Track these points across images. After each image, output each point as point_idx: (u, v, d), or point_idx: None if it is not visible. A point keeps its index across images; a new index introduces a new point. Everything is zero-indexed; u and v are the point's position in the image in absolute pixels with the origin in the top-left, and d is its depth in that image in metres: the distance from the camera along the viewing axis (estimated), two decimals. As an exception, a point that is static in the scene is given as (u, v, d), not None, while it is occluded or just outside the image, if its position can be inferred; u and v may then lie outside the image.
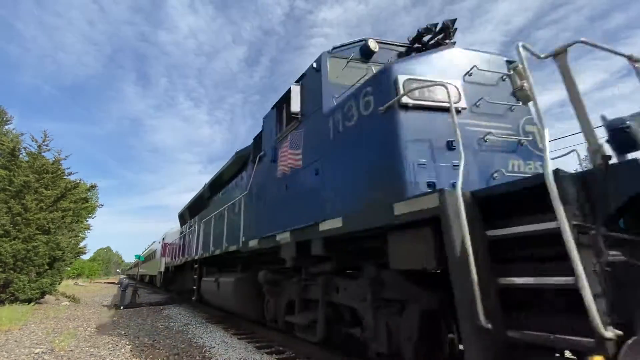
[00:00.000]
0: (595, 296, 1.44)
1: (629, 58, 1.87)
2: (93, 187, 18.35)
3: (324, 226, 3.37)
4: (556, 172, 1.71)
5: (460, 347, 2.84)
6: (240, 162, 7.49)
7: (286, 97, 4.77)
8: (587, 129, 1.81)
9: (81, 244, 17.17)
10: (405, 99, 2.78)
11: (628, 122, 1.72)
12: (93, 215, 18.41)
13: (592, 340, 1.49)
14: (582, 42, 1.89)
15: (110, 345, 5.93)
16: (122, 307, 11.83)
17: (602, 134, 1.86)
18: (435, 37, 4.28)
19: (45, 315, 9.80)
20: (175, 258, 14.21)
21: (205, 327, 7.65)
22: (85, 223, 17.06)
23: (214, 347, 5.64)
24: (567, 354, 2.30)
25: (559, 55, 1.95)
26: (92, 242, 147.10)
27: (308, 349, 4.90)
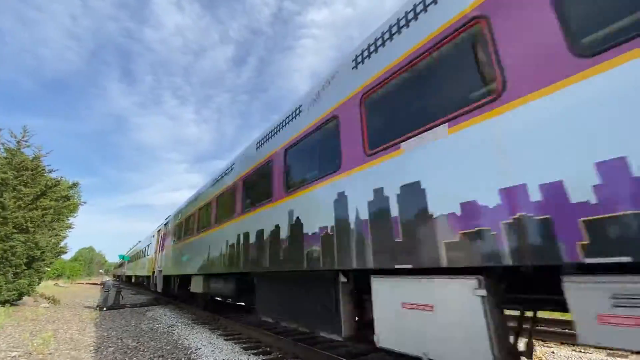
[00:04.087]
0: None
1: None
2: (75, 185, 17.81)
3: None
4: None
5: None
6: None
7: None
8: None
9: (62, 244, 16.61)
10: None
11: None
12: (75, 214, 17.77)
13: None
14: None
15: (92, 347, 5.76)
16: (104, 309, 11.52)
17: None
18: None
19: (23, 317, 9.44)
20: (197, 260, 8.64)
21: (192, 329, 7.52)
22: (66, 222, 16.46)
23: (200, 348, 5.55)
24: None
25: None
26: (74, 241, 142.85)
27: (295, 349, 4.88)
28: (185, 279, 10.38)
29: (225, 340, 6.20)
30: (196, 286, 8.81)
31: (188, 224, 10.30)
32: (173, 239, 12.06)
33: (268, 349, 5.38)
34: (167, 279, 12.82)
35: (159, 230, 15.68)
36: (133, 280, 26.76)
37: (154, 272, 15.12)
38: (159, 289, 13.22)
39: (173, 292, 11.90)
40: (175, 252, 11.33)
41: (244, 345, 5.65)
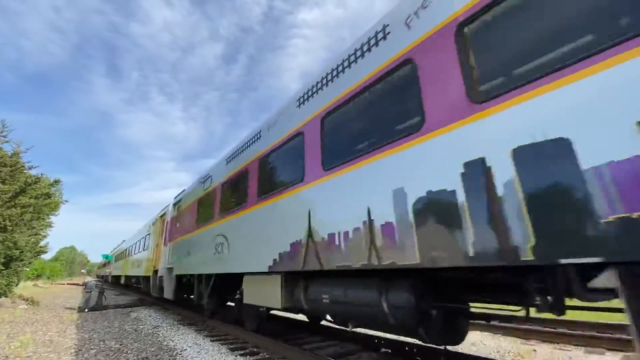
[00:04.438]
0: None
1: None
2: (57, 182, 17.25)
3: None
4: None
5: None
6: None
7: None
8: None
9: (42, 243, 16.09)
10: None
11: None
12: (56, 213, 17.21)
13: None
14: None
15: (73, 350, 5.60)
16: (86, 310, 11.21)
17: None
18: None
19: (0, 319, 9.10)
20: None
21: (177, 330, 7.39)
22: (47, 220, 15.93)
23: (186, 349, 5.46)
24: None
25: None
26: (55, 241, 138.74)
27: (283, 350, 4.85)
28: (225, 282, 7.03)
29: (211, 341, 6.12)
30: (264, 295, 5.08)
31: (228, 193, 6.70)
32: (195, 221, 8.27)
33: (255, 350, 5.34)
34: (181, 280, 9.40)
35: (162, 216, 12.23)
36: (123, 281, 23.02)
37: (155, 272, 11.50)
38: (168, 295, 9.53)
39: (197, 300, 8.17)
40: (202, 240, 7.57)
41: (230, 346, 5.59)
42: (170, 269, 9.78)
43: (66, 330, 7.58)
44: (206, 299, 7.64)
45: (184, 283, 9.40)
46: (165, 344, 5.97)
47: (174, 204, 10.71)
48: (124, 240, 24.31)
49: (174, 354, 5.23)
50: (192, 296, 8.74)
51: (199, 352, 5.29)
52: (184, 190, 10.31)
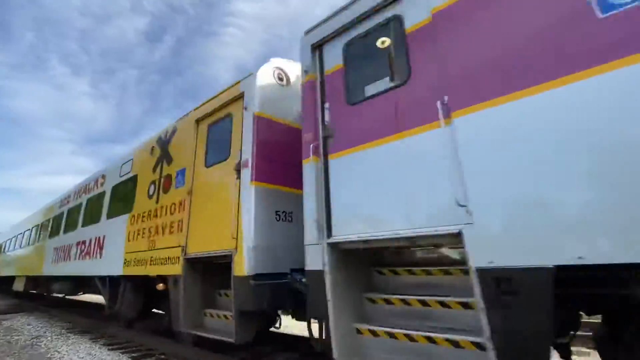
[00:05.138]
0: None
1: None
2: None
3: None
4: None
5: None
6: None
7: None
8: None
9: None
10: None
11: None
12: None
13: None
14: None
15: None
16: None
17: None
18: None
19: None
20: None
21: (66, 339, 6.37)
22: None
23: (76, 361, 4.76)
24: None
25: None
26: None
27: (195, 354, 4.59)
28: None
29: (109, 350, 5.44)
30: None
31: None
32: None
33: (163, 356, 4.93)
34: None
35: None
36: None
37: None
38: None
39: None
40: None
41: (133, 354, 5.05)
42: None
43: None
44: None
45: None
46: (49, 356, 5.10)
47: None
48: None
49: (60, 367, 4.51)
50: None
51: (93, 363, 4.66)
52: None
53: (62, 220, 9.79)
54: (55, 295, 11.03)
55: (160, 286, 4.95)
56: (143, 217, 5.73)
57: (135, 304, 6.06)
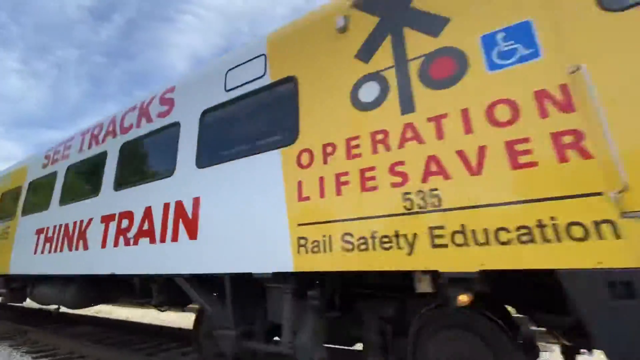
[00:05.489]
0: None
1: None
2: None
3: None
4: None
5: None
6: None
7: None
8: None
9: None
10: None
11: None
12: None
13: None
14: None
15: None
16: None
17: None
18: None
19: None
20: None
21: (-21, 347, 5.68)
22: None
23: (-9, 371, 4.30)
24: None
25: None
26: None
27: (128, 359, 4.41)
28: None
29: (33, 357, 4.99)
30: None
31: None
32: None
33: (95, 363, 4.65)
34: None
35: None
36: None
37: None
38: None
39: None
40: None
41: (60, 362, 4.69)
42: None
43: None
44: None
45: None
46: (-45, 367, 4.54)
47: None
48: None
49: (-30, 378, 4.05)
50: None
51: (11, 372, 4.25)
52: None
53: (56, 186, 6.11)
54: (44, 307, 7.31)
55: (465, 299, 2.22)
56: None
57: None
